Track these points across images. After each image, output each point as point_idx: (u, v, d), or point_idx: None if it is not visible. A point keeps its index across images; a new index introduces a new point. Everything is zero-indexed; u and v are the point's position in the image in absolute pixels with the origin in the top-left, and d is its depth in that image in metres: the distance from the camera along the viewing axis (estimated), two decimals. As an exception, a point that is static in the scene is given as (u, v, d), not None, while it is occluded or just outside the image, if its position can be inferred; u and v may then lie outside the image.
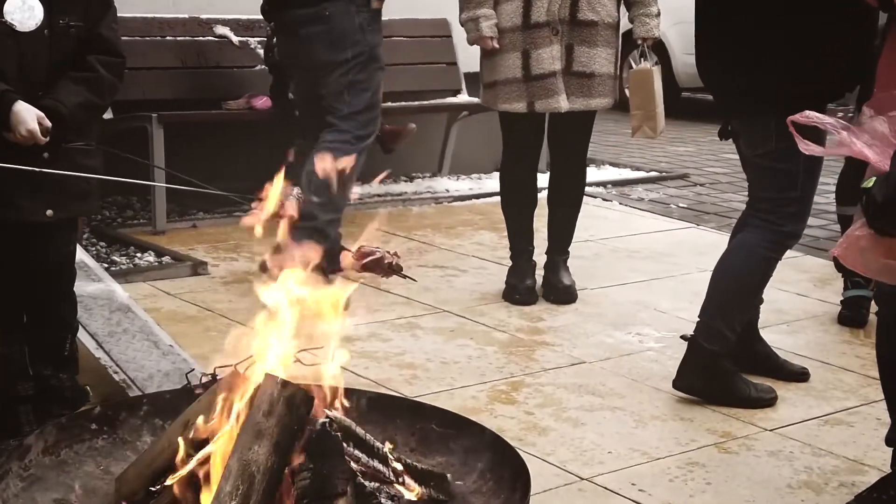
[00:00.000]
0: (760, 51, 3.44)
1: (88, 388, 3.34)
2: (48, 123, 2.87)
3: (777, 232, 3.62)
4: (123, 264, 5.13)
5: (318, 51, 4.74)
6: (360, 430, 2.37)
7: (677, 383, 3.78)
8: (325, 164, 4.79)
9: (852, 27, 3.40)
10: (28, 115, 2.82)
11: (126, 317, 3.77)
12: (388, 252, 2.43)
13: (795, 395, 3.89)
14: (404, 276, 2.50)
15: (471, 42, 4.67)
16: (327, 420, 2.27)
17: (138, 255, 5.26)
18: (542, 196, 4.92)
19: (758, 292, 3.74)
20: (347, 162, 4.71)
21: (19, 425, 3.12)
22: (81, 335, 3.64)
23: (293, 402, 2.18)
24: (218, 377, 2.54)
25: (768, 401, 3.78)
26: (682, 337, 3.87)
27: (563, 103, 4.53)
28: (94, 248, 5.39)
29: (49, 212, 2.98)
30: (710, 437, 3.54)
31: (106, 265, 5.08)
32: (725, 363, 3.74)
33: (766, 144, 3.52)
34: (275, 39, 5.81)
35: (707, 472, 3.29)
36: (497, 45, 4.56)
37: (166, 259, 5.18)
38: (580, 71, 4.51)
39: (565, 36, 4.49)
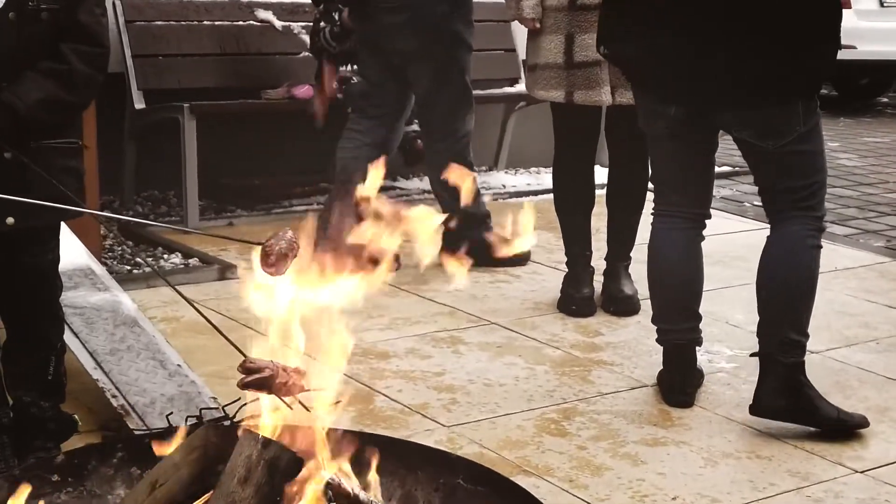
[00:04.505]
0: (790, 36, 3.17)
1: (76, 417, 2.96)
2: None
3: (817, 218, 3.33)
4: (147, 267, 4.76)
5: (402, 40, 4.62)
6: (364, 496, 1.94)
7: (756, 408, 3.33)
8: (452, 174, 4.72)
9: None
10: None
11: (131, 332, 3.38)
12: (285, 369, 1.98)
13: (890, 429, 3.39)
14: (300, 404, 2.00)
15: (510, 19, 4.39)
16: (320, 487, 1.85)
17: (165, 256, 4.89)
18: (601, 193, 4.46)
19: (815, 286, 3.36)
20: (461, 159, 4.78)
21: (-7, 460, 2.75)
22: (79, 353, 3.28)
23: (276, 466, 1.76)
24: (205, 420, 2.15)
25: (857, 424, 3.34)
26: (752, 355, 3.41)
27: (605, 96, 4.09)
28: (119, 248, 5.04)
29: (10, 220, 2.58)
30: (790, 479, 3.06)
31: (129, 268, 4.73)
32: (805, 379, 3.32)
33: (792, 131, 3.23)
34: (322, 24, 5.46)
35: (788, 524, 2.83)
36: (538, 26, 4.16)
37: (193, 261, 4.80)
38: None
39: None
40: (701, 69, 3.23)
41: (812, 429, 3.32)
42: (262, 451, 1.78)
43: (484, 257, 4.90)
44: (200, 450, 1.90)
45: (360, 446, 2.14)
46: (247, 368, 1.91)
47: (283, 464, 1.79)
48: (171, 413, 2.48)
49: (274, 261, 2.00)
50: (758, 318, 3.39)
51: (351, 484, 1.95)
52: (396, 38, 4.64)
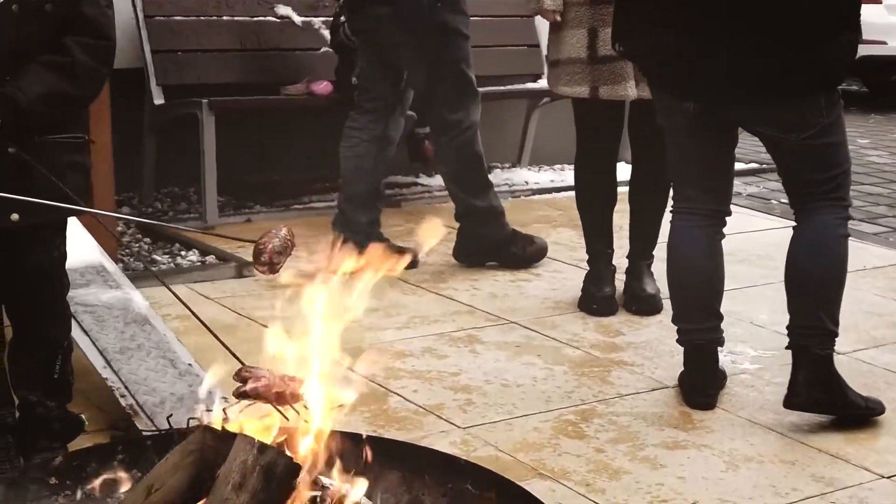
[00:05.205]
0: (807, 28, 3.10)
1: (83, 416, 2.91)
2: None
3: (844, 207, 3.28)
4: (164, 263, 4.73)
5: (390, 32, 4.52)
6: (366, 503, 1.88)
7: (792, 400, 3.27)
8: (456, 164, 4.66)
9: None
10: None
11: (142, 330, 3.33)
12: (282, 378, 1.91)
13: (917, 433, 3.30)
14: (296, 412, 1.93)
15: (531, 13, 4.30)
16: (318, 493, 1.78)
17: (182, 253, 4.85)
18: (624, 190, 4.38)
19: (846, 276, 3.33)
20: (468, 150, 4.68)
21: (-3, 460, 2.71)
22: (89, 351, 3.23)
23: (272, 472, 1.70)
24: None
25: (880, 411, 3.34)
26: (788, 347, 3.34)
27: (630, 91, 4.01)
28: (136, 245, 5.00)
29: (14, 216, 2.53)
30: (814, 485, 2.98)
31: (145, 265, 4.69)
32: (835, 369, 3.29)
33: (816, 123, 3.18)
34: (342, 18, 5.41)
35: (811, 531, 2.75)
36: (559, 19, 4.07)
37: (210, 258, 4.76)
38: None
39: None
40: (717, 64, 3.16)
41: (837, 432, 3.25)
42: (257, 456, 1.72)
43: (502, 256, 4.84)
44: (197, 453, 1.84)
45: (364, 450, 2.08)
46: (242, 377, 1.85)
47: (280, 470, 1.73)
48: (171, 416, 2.42)
49: (267, 259, 1.94)
50: (786, 314, 3.34)
51: (351, 490, 1.89)
52: (384, 30, 4.55)
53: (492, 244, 4.79)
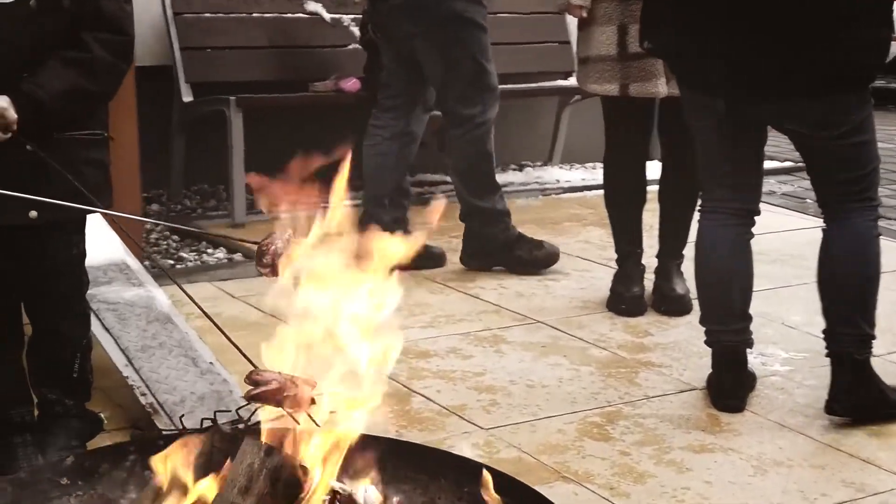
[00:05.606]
0: (843, 24, 3.05)
1: (103, 415, 2.89)
2: (11, 116, 2.40)
3: (874, 207, 3.26)
4: (191, 261, 4.72)
5: (402, 24, 4.46)
6: (377, 507, 1.84)
7: (833, 407, 3.24)
8: (465, 159, 4.59)
9: None
10: None
11: (164, 328, 3.31)
12: (294, 381, 1.87)
13: (952, 438, 3.22)
14: (308, 415, 1.89)
15: (557, 9, 4.19)
16: (328, 497, 1.75)
17: (209, 250, 4.84)
18: (654, 189, 4.31)
19: (880, 276, 3.30)
20: (479, 147, 4.58)
21: (14, 459, 2.69)
22: (111, 349, 3.22)
23: (279, 475, 1.66)
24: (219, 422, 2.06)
25: None
26: (827, 355, 3.29)
27: (661, 88, 3.95)
28: (165, 243, 4.99)
29: (33, 213, 2.51)
30: (845, 490, 2.91)
31: (172, 262, 4.69)
32: (874, 370, 3.26)
33: (847, 121, 3.14)
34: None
35: (840, 539, 2.68)
36: (585, 15, 4.02)
37: (237, 256, 4.75)
38: None
39: None
40: (748, 60, 3.10)
41: (869, 437, 3.19)
42: (264, 459, 1.68)
43: (506, 259, 4.74)
44: (205, 456, 1.81)
45: (379, 453, 2.04)
46: (253, 380, 1.82)
47: (287, 473, 1.69)
48: (183, 416, 2.39)
49: (269, 261, 1.91)
50: (819, 315, 3.30)
51: (363, 494, 1.85)
52: (396, 22, 4.48)
53: (495, 245, 4.67)
